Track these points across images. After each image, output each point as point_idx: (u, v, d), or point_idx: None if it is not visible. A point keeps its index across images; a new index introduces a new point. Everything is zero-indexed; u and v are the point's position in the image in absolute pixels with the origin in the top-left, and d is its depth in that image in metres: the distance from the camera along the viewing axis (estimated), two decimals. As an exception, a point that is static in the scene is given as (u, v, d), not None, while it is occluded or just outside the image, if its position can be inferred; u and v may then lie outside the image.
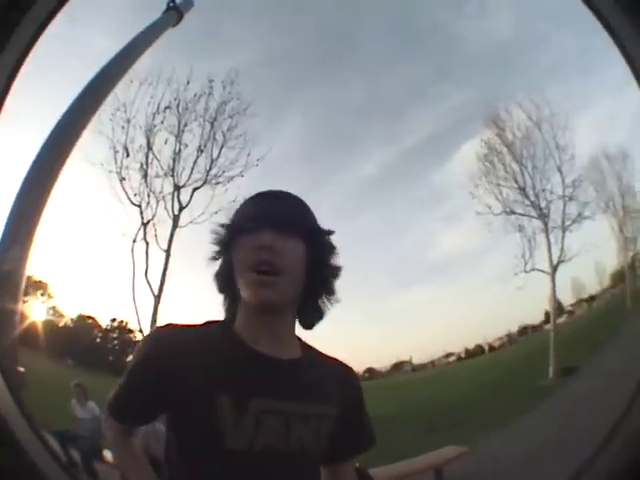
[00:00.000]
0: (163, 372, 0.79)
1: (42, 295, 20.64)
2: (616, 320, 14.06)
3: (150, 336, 0.88)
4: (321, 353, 0.94)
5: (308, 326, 0.90)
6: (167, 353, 0.80)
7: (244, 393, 0.78)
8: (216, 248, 0.87)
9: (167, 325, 0.86)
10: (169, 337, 0.83)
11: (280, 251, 0.78)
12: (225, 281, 0.86)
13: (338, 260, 0.88)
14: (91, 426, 5.29)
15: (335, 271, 0.88)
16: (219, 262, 0.88)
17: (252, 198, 0.87)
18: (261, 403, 0.78)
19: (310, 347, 0.92)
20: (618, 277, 19.10)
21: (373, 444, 0.99)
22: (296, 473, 0.83)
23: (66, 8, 0.80)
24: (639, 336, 10.58)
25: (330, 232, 0.88)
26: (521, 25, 22.91)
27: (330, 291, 0.87)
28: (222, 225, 0.87)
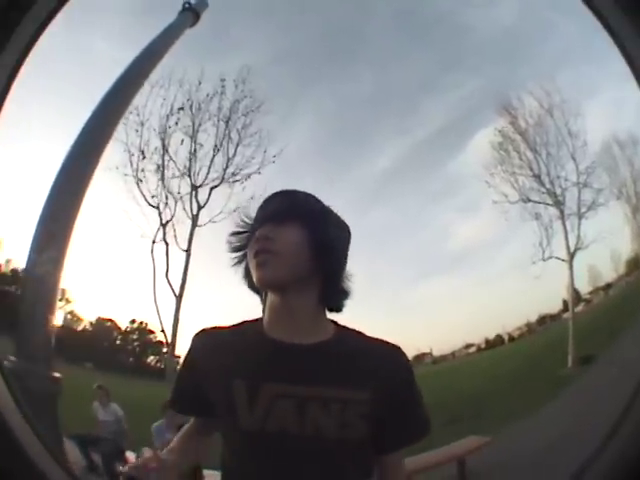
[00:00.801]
0: (198, 367, 0.92)
1: (60, 300, 21.08)
2: (633, 308, 13.85)
3: (193, 337, 0.96)
4: (361, 334, 0.91)
5: (336, 308, 0.92)
6: (202, 350, 0.93)
7: (258, 378, 0.83)
8: (234, 254, 0.95)
9: (209, 327, 0.95)
10: (206, 336, 0.94)
11: (274, 237, 0.84)
12: (250, 280, 0.91)
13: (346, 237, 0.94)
14: (114, 428, 5.35)
15: (344, 257, 0.93)
16: (242, 265, 0.94)
17: (265, 199, 0.93)
18: (274, 387, 0.82)
19: (347, 329, 0.92)
20: (633, 264, 18.83)
21: (425, 434, 0.92)
22: (319, 459, 0.81)
23: (66, 8, 0.80)
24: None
25: (338, 221, 0.93)
26: (526, 13, 22.56)
27: (339, 276, 0.91)
28: (234, 233, 0.95)
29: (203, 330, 0.95)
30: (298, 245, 0.84)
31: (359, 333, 0.92)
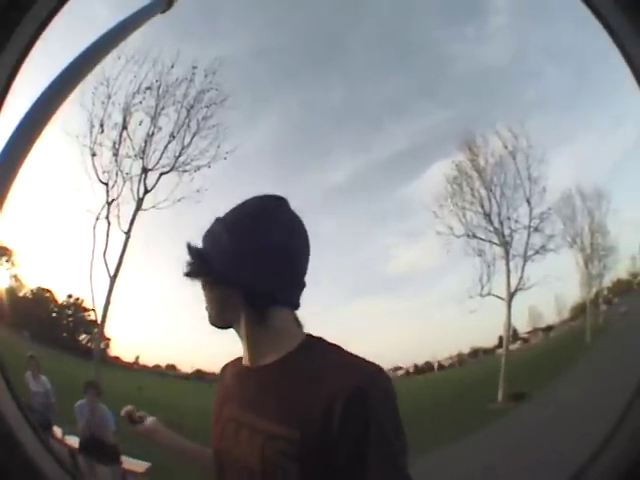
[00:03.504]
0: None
1: (7, 262, 19.97)
2: (573, 353, 14.28)
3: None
4: (331, 350, 0.78)
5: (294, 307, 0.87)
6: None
7: (220, 402, 0.90)
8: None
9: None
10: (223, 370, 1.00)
11: (207, 287, 0.86)
12: None
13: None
14: (43, 400, 5.24)
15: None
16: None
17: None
18: (227, 410, 0.86)
19: (315, 343, 0.81)
20: (578, 310, 19.24)
21: None
22: None
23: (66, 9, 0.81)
24: (597, 372, 10.74)
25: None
26: (515, 56, 23.35)
27: (289, 304, 0.86)
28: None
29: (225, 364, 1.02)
30: (217, 296, 0.85)
31: (329, 349, 0.79)
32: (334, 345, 0.79)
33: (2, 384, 0.69)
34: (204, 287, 0.86)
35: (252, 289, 0.79)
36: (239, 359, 0.90)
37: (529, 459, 5.32)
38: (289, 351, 0.79)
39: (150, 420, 1.06)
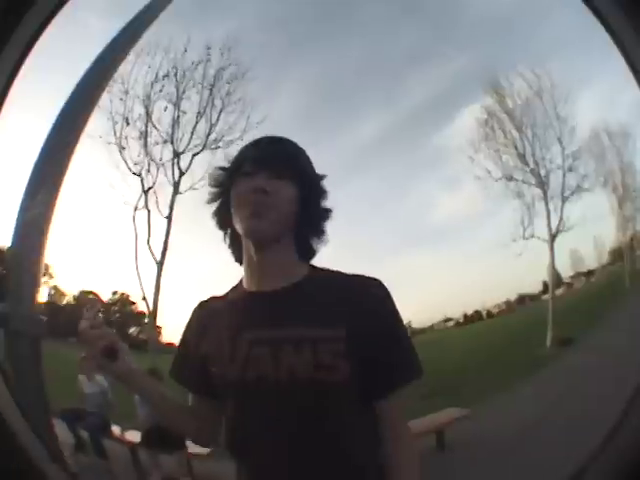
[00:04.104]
0: (195, 337, 0.94)
1: (44, 276, 20.82)
2: (614, 298, 14.18)
3: (194, 308, 1.00)
4: (337, 272, 0.90)
5: (309, 257, 0.96)
6: (197, 317, 0.97)
7: (236, 329, 0.86)
8: (215, 190, 0.95)
9: (207, 299, 1.00)
10: (201, 305, 0.99)
11: (271, 191, 0.84)
12: (223, 219, 0.94)
13: (328, 203, 0.94)
14: (99, 401, 5.21)
15: (325, 213, 0.93)
16: (217, 202, 0.95)
17: (250, 143, 0.93)
18: (250, 334, 0.84)
19: (322, 269, 0.92)
20: (617, 255, 19.25)
21: (414, 375, 0.86)
22: (297, 405, 0.79)
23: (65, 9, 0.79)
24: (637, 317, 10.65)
25: (322, 176, 0.93)
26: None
27: (319, 231, 0.93)
28: (221, 168, 0.95)
29: (199, 302, 1.00)
30: (291, 202, 0.87)
31: (335, 271, 0.91)
32: (331, 270, 0.92)
33: (2, 385, 0.70)
34: (269, 187, 0.84)
35: (317, 207, 0.91)
36: (219, 296, 0.97)
37: (580, 405, 5.25)
38: (309, 273, 0.90)
39: (124, 353, 0.90)
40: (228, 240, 0.96)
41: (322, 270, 0.92)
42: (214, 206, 0.96)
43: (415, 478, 0.83)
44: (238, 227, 0.87)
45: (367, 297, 0.85)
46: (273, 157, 0.87)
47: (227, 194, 0.91)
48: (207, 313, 0.96)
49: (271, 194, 0.84)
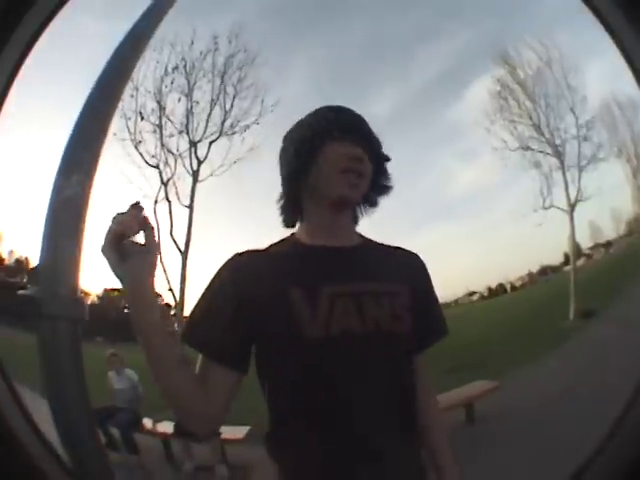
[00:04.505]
0: (241, 294, 0.84)
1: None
2: (633, 269, 14.05)
3: (227, 263, 0.89)
4: (381, 243, 1.00)
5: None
6: (244, 276, 0.86)
7: (312, 283, 0.83)
8: (297, 148, 0.91)
9: (241, 252, 0.91)
10: (245, 261, 0.89)
11: (366, 162, 0.89)
12: (297, 181, 0.92)
13: (390, 182, 0.99)
14: (129, 396, 5.18)
15: (386, 189, 0.98)
16: (294, 163, 0.91)
17: (330, 109, 0.93)
18: (330, 288, 0.83)
19: (366, 237, 0.99)
20: (634, 225, 19.02)
21: (446, 333, 0.99)
22: (380, 357, 0.82)
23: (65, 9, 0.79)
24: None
25: (389, 159, 0.98)
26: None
27: (374, 204, 1.00)
28: (309, 129, 0.91)
29: (239, 255, 0.90)
30: (370, 175, 0.91)
31: (377, 242, 1.00)
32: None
33: (3, 385, 0.69)
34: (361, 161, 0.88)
35: (383, 183, 0.98)
36: (259, 250, 0.92)
37: (603, 376, 5.16)
38: (362, 238, 0.98)
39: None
40: (290, 198, 0.95)
41: (367, 238, 0.99)
42: (291, 164, 0.92)
43: (446, 434, 0.97)
44: (328, 190, 0.89)
45: (416, 264, 0.99)
46: (361, 127, 0.92)
47: (314, 156, 0.89)
48: (252, 267, 0.87)
49: (365, 164, 0.89)
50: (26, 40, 0.73)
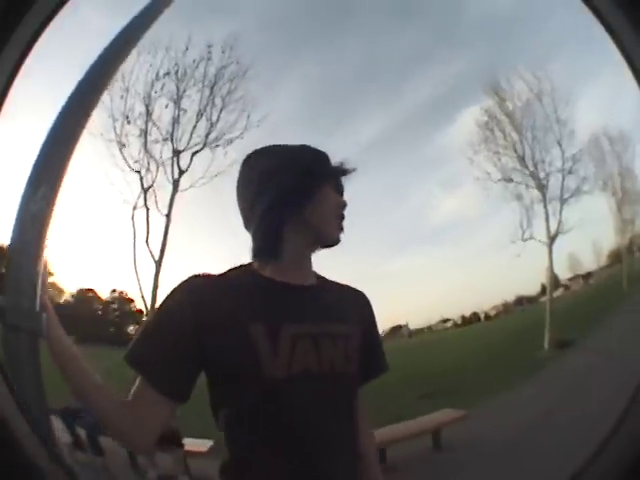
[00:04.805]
0: (196, 318, 0.80)
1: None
2: (612, 300, 14.29)
3: (184, 285, 0.85)
4: (331, 280, 1.01)
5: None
6: (201, 300, 0.82)
7: (275, 320, 0.82)
8: (292, 184, 0.87)
9: (198, 275, 0.87)
10: (203, 284, 0.85)
11: None
12: (290, 212, 0.87)
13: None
14: None
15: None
16: (292, 193, 0.87)
17: (322, 154, 0.93)
18: (292, 328, 0.83)
19: (322, 276, 0.99)
20: (615, 257, 19.48)
21: (387, 369, 1.04)
22: (334, 395, 0.85)
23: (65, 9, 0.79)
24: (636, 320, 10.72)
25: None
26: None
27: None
28: (303, 164, 0.89)
29: (195, 277, 0.86)
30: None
31: (327, 279, 1.00)
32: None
33: (2, 385, 0.69)
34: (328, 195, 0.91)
35: None
36: (216, 275, 0.88)
37: (577, 407, 5.33)
38: (317, 275, 0.97)
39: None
40: (274, 228, 0.87)
41: (320, 276, 0.99)
42: (288, 194, 0.87)
43: (377, 463, 1.02)
44: (324, 229, 0.91)
45: (365, 304, 1.03)
46: (344, 174, 0.96)
47: (309, 196, 0.88)
48: (211, 293, 0.84)
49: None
50: (26, 40, 0.73)
